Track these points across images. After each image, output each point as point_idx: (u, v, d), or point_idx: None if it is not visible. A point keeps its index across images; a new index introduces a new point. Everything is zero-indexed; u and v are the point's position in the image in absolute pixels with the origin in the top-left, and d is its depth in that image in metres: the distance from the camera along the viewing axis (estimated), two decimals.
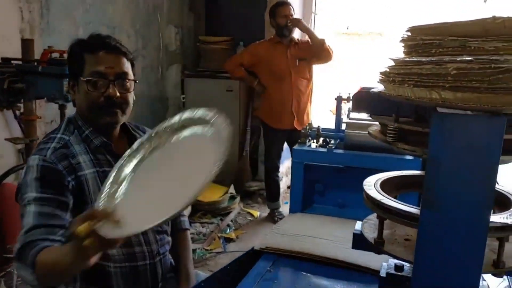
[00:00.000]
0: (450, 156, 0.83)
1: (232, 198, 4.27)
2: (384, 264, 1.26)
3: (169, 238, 1.58)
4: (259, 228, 4.00)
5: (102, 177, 1.42)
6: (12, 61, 2.82)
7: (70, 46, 1.47)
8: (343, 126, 2.36)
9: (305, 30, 4.01)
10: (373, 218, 1.29)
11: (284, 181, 4.38)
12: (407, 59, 0.95)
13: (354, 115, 2.56)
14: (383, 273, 1.22)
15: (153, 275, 1.49)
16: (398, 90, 0.93)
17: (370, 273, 1.33)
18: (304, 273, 1.34)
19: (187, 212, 3.92)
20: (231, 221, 4.07)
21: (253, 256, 1.43)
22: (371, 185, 1.18)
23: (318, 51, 3.92)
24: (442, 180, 0.84)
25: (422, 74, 0.88)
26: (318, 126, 2.26)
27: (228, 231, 3.87)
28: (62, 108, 3.08)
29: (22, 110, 3.06)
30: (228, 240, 3.71)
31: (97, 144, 1.44)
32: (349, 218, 1.80)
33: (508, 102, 0.82)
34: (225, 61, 4.36)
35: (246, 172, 4.66)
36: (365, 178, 1.90)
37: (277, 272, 1.33)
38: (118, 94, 1.41)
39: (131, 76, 1.46)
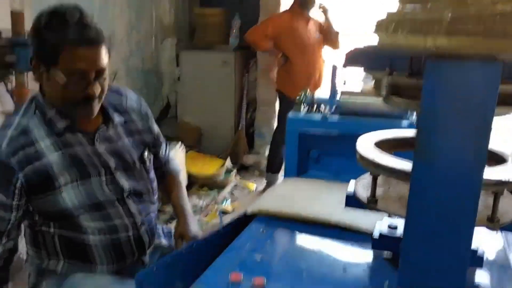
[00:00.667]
0: (444, 106, 0.80)
1: (229, 171, 4.26)
2: (378, 224, 1.25)
3: (155, 207, 1.54)
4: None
5: (70, 157, 1.35)
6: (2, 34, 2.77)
7: (37, 21, 1.29)
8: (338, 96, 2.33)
9: (329, 18, 4.11)
10: (366, 176, 1.27)
11: None
12: (401, 6, 0.91)
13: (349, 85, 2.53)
14: (376, 234, 1.21)
15: (139, 245, 1.45)
16: (391, 38, 0.90)
17: (364, 234, 1.31)
18: (297, 234, 1.33)
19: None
20: (228, 194, 4.07)
21: (245, 220, 1.42)
22: (365, 143, 1.16)
23: (331, 40, 4.10)
24: (435, 131, 0.81)
25: (416, 20, 0.85)
26: (313, 94, 2.23)
27: (224, 204, 3.87)
28: None
29: (14, 84, 3.03)
30: (225, 212, 3.71)
31: (60, 128, 1.35)
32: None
33: (505, 48, 0.79)
34: (223, 34, 4.30)
35: (242, 145, 4.64)
36: None
37: (270, 233, 1.31)
38: (98, 92, 1.31)
39: (107, 66, 1.33)
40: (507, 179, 0.95)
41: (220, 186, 4.11)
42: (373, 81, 1.17)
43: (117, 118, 1.46)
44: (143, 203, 1.48)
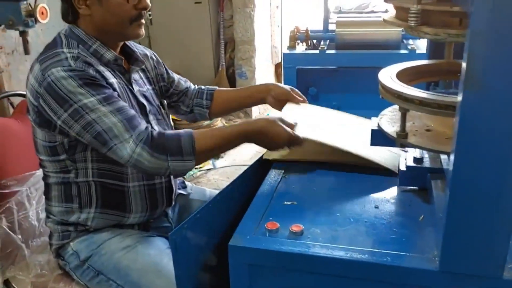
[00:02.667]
0: (496, 26, 0.74)
1: None
2: (402, 158, 1.24)
3: None
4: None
5: (122, 87, 1.34)
6: None
7: None
8: (331, 26, 2.26)
9: None
10: (388, 112, 1.24)
11: None
12: None
13: (341, 14, 2.45)
14: (403, 167, 1.20)
15: (169, 193, 1.46)
16: None
17: (385, 170, 1.31)
18: (318, 175, 1.31)
19: None
20: None
21: (262, 165, 1.39)
22: (388, 77, 1.12)
23: None
24: (486, 57, 0.76)
25: None
26: (307, 28, 2.15)
27: None
28: (23, 34, 2.88)
29: None
30: (216, 157, 3.68)
31: (110, 58, 1.33)
32: None
33: None
34: None
35: (224, 86, 4.54)
36: (358, 77, 1.82)
37: (292, 177, 1.29)
38: (150, 5, 1.33)
39: None
40: None
41: None
42: (395, 11, 1.12)
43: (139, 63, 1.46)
44: None
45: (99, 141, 1.20)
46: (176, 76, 1.63)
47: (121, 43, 1.40)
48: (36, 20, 2.89)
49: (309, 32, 2.14)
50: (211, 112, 1.66)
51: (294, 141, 1.29)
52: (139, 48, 1.51)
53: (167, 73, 1.60)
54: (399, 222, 1.07)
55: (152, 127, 1.39)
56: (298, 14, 5.25)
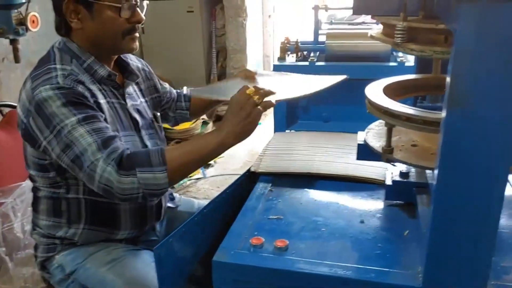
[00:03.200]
0: (480, 50, 0.75)
1: (205, 123, 4.19)
2: (388, 172, 1.24)
3: None
4: (236, 151, 3.97)
5: (113, 108, 1.31)
6: None
7: None
8: (321, 38, 2.27)
9: None
10: (375, 127, 1.25)
11: None
12: None
13: (332, 25, 2.46)
14: (389, 181, 1.21)
15: (158, 208, 1.44)
16: None
17: (371, 184, 1.31)
18: (305, 190, 1.31)
19: None
20: None
21: (250, 178, 1.39)
22: (375, 92, 1.12)
23: None
24: (470, 74, 0.76)
25: None
26: (297, 39, 2.15)
27: None
28: (14, 43, 2.86)
29: None
30: (206, 165, 3.67)
31: (103, 74, 1.30)
32: (335, 131, 1.77)
33: None
34: None
35: None
36: (348, 89, 1.82)
37: (279, 191, 1.29)
38: (144, 18, 1.29)
39: None
40: None
41: None
42: (382, 27, 1.12)
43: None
44: None
45: (77, 164, 1.16)
46: (167, 85, 1.64)
47: (115, 57, 1.38)
48: (27, 29, 2.87)
49: (299, 43, 2.14)
50: (191, 113, 1.69)
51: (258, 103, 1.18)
52: (132, 60, 1.50)
53: (160, 83, 1.60)
54: (384, 237, 1.07)
55: (144, 143, 1.38)
56: (290, 23, 5.27)
